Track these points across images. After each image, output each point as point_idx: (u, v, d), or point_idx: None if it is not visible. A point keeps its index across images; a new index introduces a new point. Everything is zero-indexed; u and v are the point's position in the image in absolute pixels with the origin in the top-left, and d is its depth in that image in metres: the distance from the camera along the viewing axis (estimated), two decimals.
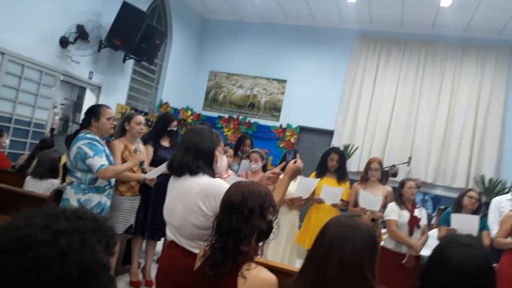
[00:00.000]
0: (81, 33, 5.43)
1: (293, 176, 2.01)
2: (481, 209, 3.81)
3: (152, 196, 3.55)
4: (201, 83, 8.35)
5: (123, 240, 3.76)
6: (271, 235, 1.55)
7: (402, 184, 3.86)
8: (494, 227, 3.75)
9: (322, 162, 4.25)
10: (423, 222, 3.72)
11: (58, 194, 2.96)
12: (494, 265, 3.59)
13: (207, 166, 1.87)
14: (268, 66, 7.98)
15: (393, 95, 7.22)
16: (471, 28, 6.80)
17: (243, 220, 1.46)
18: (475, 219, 3.57)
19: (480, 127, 6.76)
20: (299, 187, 3.73)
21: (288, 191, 3.85)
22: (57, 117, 8.08)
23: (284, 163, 2.04)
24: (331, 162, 4.17)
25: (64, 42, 5.38)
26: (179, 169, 1.86)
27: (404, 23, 7.15)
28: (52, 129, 6.38)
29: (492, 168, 6.58)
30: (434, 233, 3.89)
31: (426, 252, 3.69)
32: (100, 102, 6.25)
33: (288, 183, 1.98)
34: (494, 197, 5.39)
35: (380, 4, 6.61)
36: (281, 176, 2.05)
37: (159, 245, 4.09)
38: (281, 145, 7.71)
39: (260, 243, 1.61)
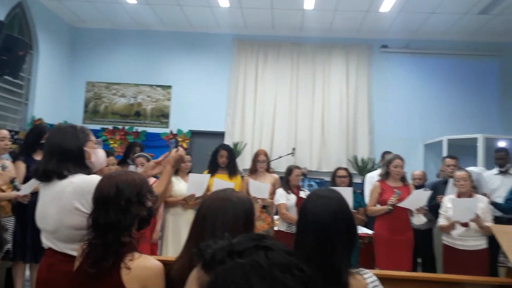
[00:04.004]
0: None
1: (175, 164, 2.02)
2: (352, 184, 4.23)
3: (29, 215, 3.22)
4: (78, 95, 7.81)
5: (1, 269, 3.33)
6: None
7: (290, 171, 4.16)
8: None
9: (212, 159, 4.35)
10: None
11: None
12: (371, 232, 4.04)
13: (78, 166, 1.75)
14: (151, 73, 7.82)
15: (273, 94, 7.66)
16: (334, 29, 7.56)
17: (121, 212, 1.42)
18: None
19: (352, 116, 7.54)
20: (190, 184, 3.73)
21: (181, 190, 3.86)
22: None
23: (167, 152, 2.04)
24: (221, 158, 4.28)
25: None
26: (45, 176, 1.73)
27: (275, 27, 7.64)
28: None
29: (366, 150, 7.40)
30: None
31: None
32: None
33: (170, 171, 1.98)
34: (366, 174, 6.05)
35: (251, 9, 6.94)
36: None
37: None
38: None
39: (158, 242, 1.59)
